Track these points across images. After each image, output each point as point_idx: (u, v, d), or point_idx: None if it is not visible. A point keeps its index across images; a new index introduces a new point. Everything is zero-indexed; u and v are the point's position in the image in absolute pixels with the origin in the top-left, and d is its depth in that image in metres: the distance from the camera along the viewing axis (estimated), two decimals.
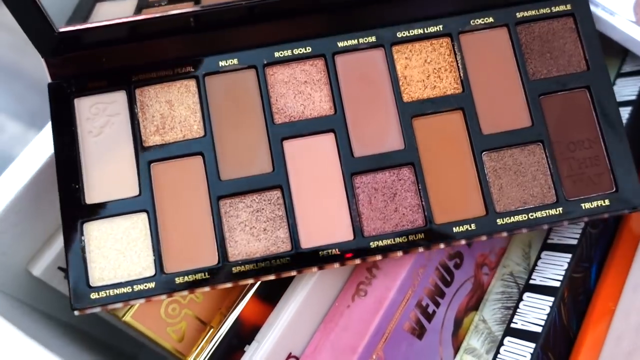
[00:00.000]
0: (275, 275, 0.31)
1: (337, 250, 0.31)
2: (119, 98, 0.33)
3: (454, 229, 0.32)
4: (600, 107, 0.33)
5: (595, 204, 0.32)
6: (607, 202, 0.32)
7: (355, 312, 0.34)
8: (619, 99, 0.39)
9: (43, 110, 0.33)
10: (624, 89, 0.40)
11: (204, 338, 0.35)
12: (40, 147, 0.34)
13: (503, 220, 0.32)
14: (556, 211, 0.32)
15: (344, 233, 0.32)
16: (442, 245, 0.32)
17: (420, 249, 0.32)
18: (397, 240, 0.32)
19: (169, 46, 0.33)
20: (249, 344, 0.33)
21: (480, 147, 0.33)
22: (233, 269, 0.31)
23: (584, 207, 0.32)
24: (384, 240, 0.32)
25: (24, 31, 0.32)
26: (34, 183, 0.35)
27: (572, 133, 0.33)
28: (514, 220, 0.32)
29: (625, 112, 0.39)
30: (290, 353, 0.33)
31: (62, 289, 0.37)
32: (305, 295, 0.33)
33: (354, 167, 0.32)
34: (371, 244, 0.31)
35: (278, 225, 0.32)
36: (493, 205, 0.32)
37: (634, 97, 0.40)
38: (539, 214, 0.32)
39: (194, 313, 0.36)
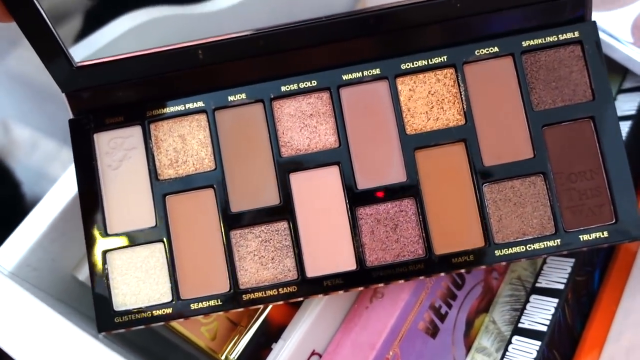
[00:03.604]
0: (282, 302, 0.33)
1: (340, 279, 0.33)
2: (135, 133, 0.35)
3: (453, 259, 0.33)
4: (604, 138, 0.33)
5: (594, 235, 0.33)
6: (605, 233, 0.33)
7: (373, 312, 0.37)
8: (619, 113, 0.42)
9: None
10: (625, 104, 0.42)
11: (234, 337, 0.38)
12: None
13: (502, 252, 0.33)
14: (554, 242, 0.33)
15: (347, 263, 0.33)
16: (441, 274, 0.33)
17: (421, 277, 0.33)
18: (398, 270, 0.33)
19: (180, 80, 0.34)
20: (276, 342, 0.36)
21: (481, 178, 0.33)
22: (243, 296, 0.33)
23: (582, 239, 0.33)
24: (385, 270, 0.33)
25: (45, 65, 0.33)
26: None
27: (574, 164, 0.33)
28: (512, 251, 0.33)
29: (625, 126, 0.41)
30: (314, 350, 0.36)
31: None
32: (327, 297, 0.36)
33: (357, 199, 0.34)
34: (373, 273, 0.33)
35: (285, 254, 0.34)
36: (492, 236, 0.33)
37: (633, 112, 0.41)
38: (537, 245, 0.33)
39: (225, 314, 0.38)
